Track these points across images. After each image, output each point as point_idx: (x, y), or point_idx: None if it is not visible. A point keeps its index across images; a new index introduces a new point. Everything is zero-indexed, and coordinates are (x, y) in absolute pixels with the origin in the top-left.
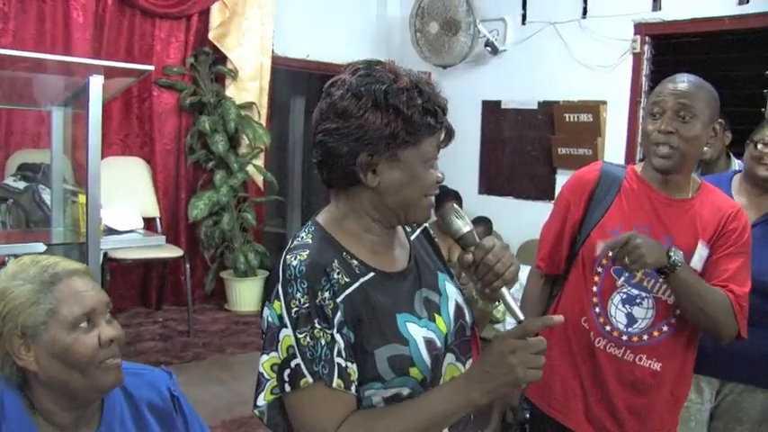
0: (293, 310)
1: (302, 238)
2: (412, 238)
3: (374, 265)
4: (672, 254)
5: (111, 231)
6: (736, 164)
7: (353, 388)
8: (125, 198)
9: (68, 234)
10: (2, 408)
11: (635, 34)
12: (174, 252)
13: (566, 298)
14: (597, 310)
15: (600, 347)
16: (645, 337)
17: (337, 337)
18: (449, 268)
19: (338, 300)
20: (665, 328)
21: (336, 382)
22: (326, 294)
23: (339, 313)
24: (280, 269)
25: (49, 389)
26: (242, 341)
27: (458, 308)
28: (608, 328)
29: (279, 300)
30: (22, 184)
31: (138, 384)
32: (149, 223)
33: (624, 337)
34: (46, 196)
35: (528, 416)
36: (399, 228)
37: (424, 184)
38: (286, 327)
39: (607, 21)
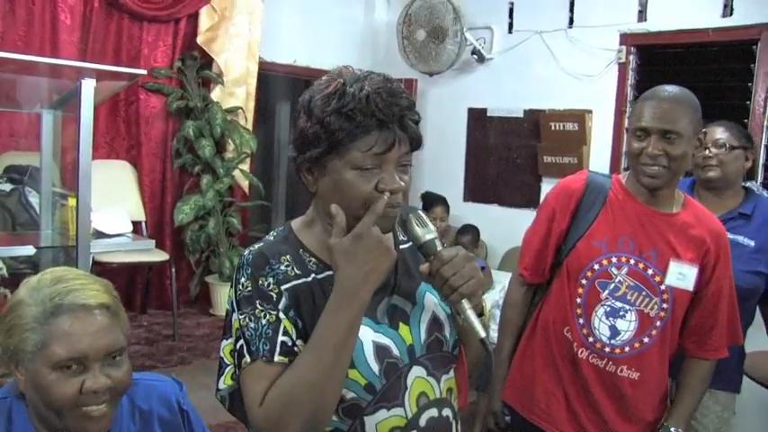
0: (238, 294)
1: (269, 235)
2: (402, 247)
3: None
4: None
5: (99, 235)
6: None
7: None
8: (111, 201)
9: (57, 237)
10: (9, 416)
11: (620, 44)
12: (160, 256)
13: (548, 307)
14: (581, 321)
15: (582, 358)
16: (626, 348)
17: (282, 316)
18: None
19: (282, 287)
20: (645, 340)
21: (278, 358)
22: (270, 280)
23: (284, 299)
24: (237, 263)
25: (34, 414)
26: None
27: (434, 321)
28: (591, 339)
29: (232, 286)
30: (8, 187)
31: (149, 398)
32: (135, 227)
33: (607, 349)
34: (33, 199)
35: (509, 421)
36: (387, 236)
37: (358, 196)
38: (234, 311)
39: (593, 31)
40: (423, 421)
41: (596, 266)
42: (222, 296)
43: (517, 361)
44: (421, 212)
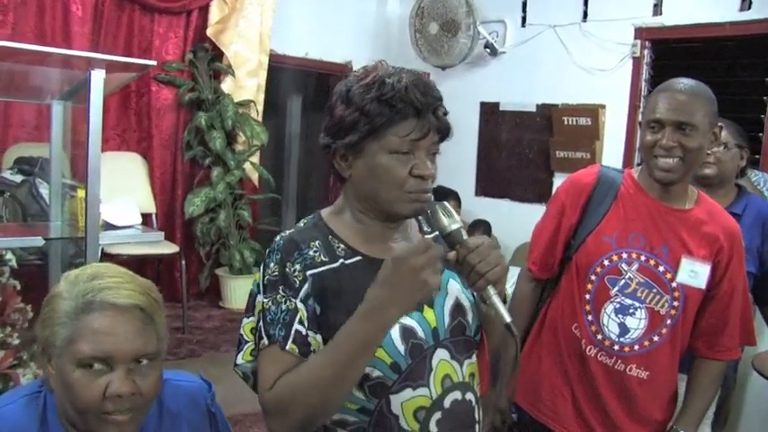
0: (265, 278)
1: (300, 222)
2: (427, 237)
3: (364, 251)
4: None
5: (109, 227)
6: None
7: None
8: (121, 193)
9: (66, 229)
10: (45, 408)
11: (635, 39)
12: (170, 248)
13: (557, 303)
14: (589, 318)
15: (590, 356)
16: (636, 347)
17: (300, 305)
18: None
19: (308, 273)
20: (655, 338)
21: (290, 346)
22: (297, 267)
23: (306, 285)
24: (268, 247)
25: (61, 410)
26: (236, 338)
27: (457, 306)
28: (599, 336)
29: (260, 269)
30: (18, 178)
31: (178, 399)
32: (145, 219)
33: (616, 347)
34: (43, 190)
35: (516, 419)
36: (412, 226)
37: (393, 179)
38: (260, 293)
39: (607, 25)
40: (447, 403)
41: (606, 262)
42: (232, 289)
43: (524, 358)
44: (446, 204)
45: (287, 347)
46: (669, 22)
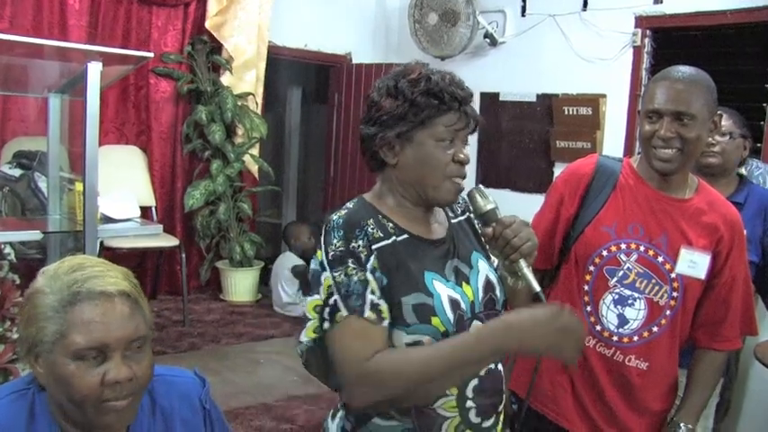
0: (330, 254)
1: (347, 204)
2: (453, 221)
3: (409, 229)
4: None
5: (107, 220)
6: None
7: (385, 323)
8: (121, 187)
9: (65, 222)
10: (32, 408)
11: (636, 27)
12: (170, 241)
13: (555, 294)
14: (588, 308)
15: (589, 346)
16: (635, 338)
17: (369, 276)
18: (487, 251)
19: (373, 247)
20: (654, 329)
21: (368, 313)
22: (360, 242)
23: (372, 258)
24: (324, 227)
25: (55, 406)
26: (237, 331)
27: (488, 282)
28: (598, 327)
29: (320, 248)
30: (17, 172)
31: (171, 395)
32: (145, 212)
33: (615, 338)
34: (42, 184)
35: (516, 409)
36: (440, 211)
37: (438, 164)
38: (325, 270)
39: (608, 13)
40: (482, 371)
41: (604, 253)
42: (233, 281)
43: None
44: (482, 187)
45: (365, 315)
46: (670, 10)
